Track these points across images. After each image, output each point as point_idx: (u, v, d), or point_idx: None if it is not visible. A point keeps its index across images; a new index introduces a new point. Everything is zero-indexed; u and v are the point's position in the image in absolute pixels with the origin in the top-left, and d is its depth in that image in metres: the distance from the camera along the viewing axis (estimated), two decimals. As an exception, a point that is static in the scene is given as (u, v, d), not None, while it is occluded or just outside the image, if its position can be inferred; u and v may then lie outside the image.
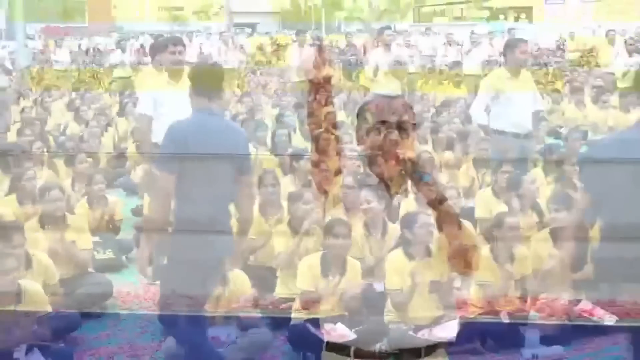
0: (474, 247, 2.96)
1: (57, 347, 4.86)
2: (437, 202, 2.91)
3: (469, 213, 6.63)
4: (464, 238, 2.95)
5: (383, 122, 2.89)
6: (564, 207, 5.43)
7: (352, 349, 3.07)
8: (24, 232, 5.16)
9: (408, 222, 5.19)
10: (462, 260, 2.96)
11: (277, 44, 23.41)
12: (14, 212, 6.44)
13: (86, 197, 6.92)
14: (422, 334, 4.97)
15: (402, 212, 3.44)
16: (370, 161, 3.08)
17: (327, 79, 2.93)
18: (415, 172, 2.95)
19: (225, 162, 4.46)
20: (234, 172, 4.48)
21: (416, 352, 3.13)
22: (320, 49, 2.92)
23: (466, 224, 2.97)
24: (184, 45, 6.32)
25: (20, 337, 4.63)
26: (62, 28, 36.13)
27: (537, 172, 7.34)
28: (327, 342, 3.23)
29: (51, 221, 5.82)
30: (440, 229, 2.96)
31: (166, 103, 6.12)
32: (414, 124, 2.90)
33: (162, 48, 6.16)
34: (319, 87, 2.95)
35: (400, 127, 2.90)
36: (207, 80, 4.61)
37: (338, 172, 3.24)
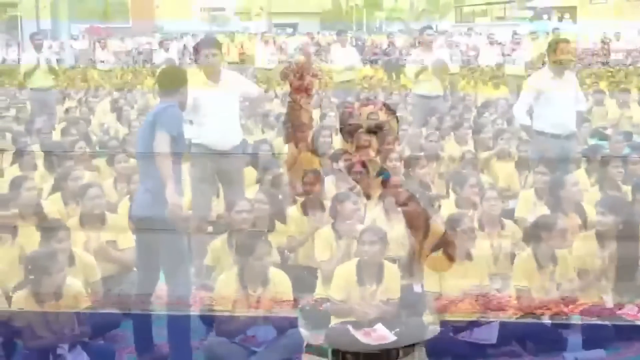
0: (447, 244, 2.94)
1: (98, 344, 4.92)
2: (404, 203, 2.95)
3: (511, 214, 6.58)
4: (433, 237, 3.00)
5: (352, 126, 2.97)
6: (610, 210, 5.35)
7: (330, 350, 3.09)
8: (68, 231, 5.25)
9: (451, 223, 5.18)
10: (437, 259, 2.98)
11: (319, 44, 23.44)
12: (59, 211, 6.54)
13: (128, 196, 6.98)
14: (462, 336, 4.97)
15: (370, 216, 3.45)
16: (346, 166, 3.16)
17: (309, 87, 3.03)
18: (377, 172, 3.00)
19: None
20: None
21: (394, 351, 3.14)
22: (304, 61, 3.02)
23: (437, 223, 2.99)
24: (220, 48, 6.40)
25: (63, 334, 4.69)
26: (106, 28, 36.54)
27: (580, 174, 7.25)
28: (307, 344, 3.25)
29: (91, 220, 5.89)
30: (410, 227, 2.98)
31: (204, 103, 6.19)
32: (386, 128, 2.95)
33: (200, 49, 6.24)
34: (300, 93, 3.05)
35: (371, 130, 2.97)
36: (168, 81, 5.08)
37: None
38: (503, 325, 4.98)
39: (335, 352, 3.08)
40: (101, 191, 6.07)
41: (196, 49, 6.32)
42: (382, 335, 4.77)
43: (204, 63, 6.22)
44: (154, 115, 4.92)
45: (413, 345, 3.23)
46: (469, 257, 5.15)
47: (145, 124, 5.06)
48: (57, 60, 14.22)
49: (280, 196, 6.61)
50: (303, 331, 3.86)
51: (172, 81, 5.05)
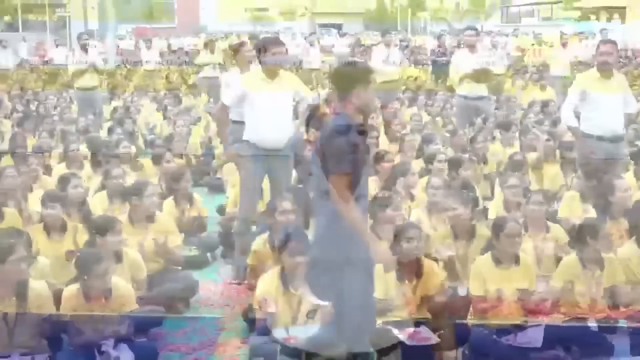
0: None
1: (142, 342, 4.96)
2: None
3: (555, 217, 6.51)
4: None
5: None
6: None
7: (304, 354, 3.09)
8: (117, 228, 5.30)
9: (497, 228, 5.13)
10: None
11: (363, 45, 23.41)
12: (105, 209, 6.62)
13: (173, 195, 7.04)
14: (507, 339, 4.92)
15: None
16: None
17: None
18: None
19: None
20: None
21: (369, 355, 3.12)
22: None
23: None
24: (284, 46, 6.47)
25: (109, 331, 4.74)
26: (152, 28, 36.90)
27: (628, 177, 7.14)
28: (281, 346, 3.25)
29: (141, 218, 5.95)
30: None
31: (258, 100, 6.24)
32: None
33: (266, 48, 6.28)
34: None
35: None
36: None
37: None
38: (548, 329, 4.93)
39: (308, 356, 3.08)
40: (153, 190, 6.13)
41: (261, 47, 6.34)
42: (425, 337, 4.77)
43: (270, 61, 6.27)
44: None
45: (390, 349, 3.22)
46: (515, 260, 5.11)
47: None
48: (104, 61, 14.38)
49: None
50: (277, 332, 3.87)
51: (350, 81, 4.39)
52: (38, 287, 4.74)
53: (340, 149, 4.17)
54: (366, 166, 4.41)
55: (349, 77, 4.38)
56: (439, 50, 19.43)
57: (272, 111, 6.24)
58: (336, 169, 4.18)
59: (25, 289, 4.66)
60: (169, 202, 6.96)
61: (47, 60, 23.86)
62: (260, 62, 6.42)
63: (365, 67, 4.59)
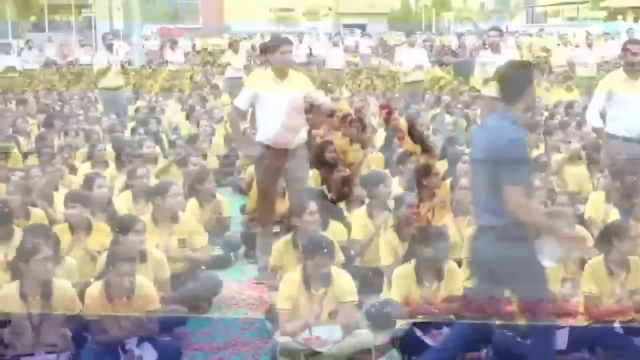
0: None
1: (165, 341, 4.98)
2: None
3: (581, 219, 6.46)
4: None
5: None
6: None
7: (302, 354, 3.07)
8: (141, 228, 5.33)
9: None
10: None
11: (387, 45, 23.35)
12: (129, 209, 6.65)
13: (196, 196, 7.06)
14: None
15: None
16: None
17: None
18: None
19: None
20: None
21: (367, 354, 3.10)
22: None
23: None
24: (291, 46, 6.44)
25: (132, 329, 4.77)
26: (176, 29, 37.06)
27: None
28: (281, 348, 3.23)
29: (165, 218, 5.97)
30: None
31: (268, 100, 6.25)
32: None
33: (274, 48, 6.28)
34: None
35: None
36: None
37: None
38: (573, 331, 4.89)
39: (307, 356, 3.08)
40: (177, 189, 6.15)
41: (267, 48, 6.36)
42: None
43: (276, 61, 6.28)
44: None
45: (386, 347, 3.21)
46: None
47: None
48: (129, 61, 14.47)
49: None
50: (277, 334, 3.85)
51: (522, 82, 4.26)
52: (63, 286, 4.77)
53: (520, 159, 4.09)
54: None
55: (521, 77, 4.31)
56: (459, 51, 19.37)
57: (283, 111, 6.23)
58: (515, 180, 4.07)
59: (50, 288, 4.70)
60: (193, 202, 6.98)
61: (72, 61, 24.02)
62: (267, 62, 6.42)
63: (532, 66, 4.56)
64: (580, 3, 44.01)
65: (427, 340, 4.83)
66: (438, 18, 43.20)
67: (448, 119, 11.71)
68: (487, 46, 12.08)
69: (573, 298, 5.09)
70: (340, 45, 20.01)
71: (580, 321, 4.98)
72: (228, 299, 6.00)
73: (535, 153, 8.38)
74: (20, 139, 9.90)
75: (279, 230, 6.60)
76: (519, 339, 4.88)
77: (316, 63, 21.34)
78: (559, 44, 20.02)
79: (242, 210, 7.69)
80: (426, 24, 40.95)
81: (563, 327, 4.89)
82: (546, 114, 11.82)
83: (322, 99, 6.82)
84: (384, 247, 5.79)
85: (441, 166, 7.67)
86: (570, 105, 12.09)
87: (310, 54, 22.50)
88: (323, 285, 4.97)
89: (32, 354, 4.65)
